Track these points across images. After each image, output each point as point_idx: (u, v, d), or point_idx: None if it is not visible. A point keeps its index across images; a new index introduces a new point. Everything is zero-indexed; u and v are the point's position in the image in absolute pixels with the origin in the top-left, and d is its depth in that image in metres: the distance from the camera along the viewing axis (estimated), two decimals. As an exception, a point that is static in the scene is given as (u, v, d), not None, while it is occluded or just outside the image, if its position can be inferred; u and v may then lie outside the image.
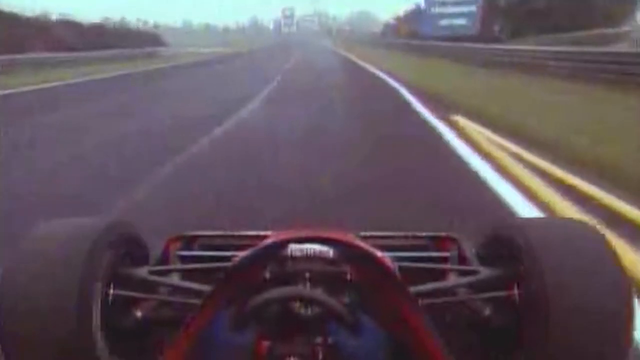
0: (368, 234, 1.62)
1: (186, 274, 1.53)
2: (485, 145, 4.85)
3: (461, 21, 31.00)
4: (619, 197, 3.14)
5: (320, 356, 0.87)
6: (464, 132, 5.53)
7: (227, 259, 1.38)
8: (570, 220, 1.55)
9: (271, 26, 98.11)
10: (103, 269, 1.27)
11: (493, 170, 3.94)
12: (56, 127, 6.60)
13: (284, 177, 3.96)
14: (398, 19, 50.58)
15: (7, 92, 10.93)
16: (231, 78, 15.49)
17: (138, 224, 1.53)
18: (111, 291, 1.30)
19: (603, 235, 1.30)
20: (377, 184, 3.69)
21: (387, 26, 54.23)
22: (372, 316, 0.96)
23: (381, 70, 15.49)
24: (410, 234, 1.73)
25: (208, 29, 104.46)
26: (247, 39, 69.37)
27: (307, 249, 1.07)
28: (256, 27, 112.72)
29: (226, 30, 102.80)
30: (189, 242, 1.72)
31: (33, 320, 1.16)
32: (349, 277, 1.04)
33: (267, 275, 1.05)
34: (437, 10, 31.93)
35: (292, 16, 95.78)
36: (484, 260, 1.49)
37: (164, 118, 7.36)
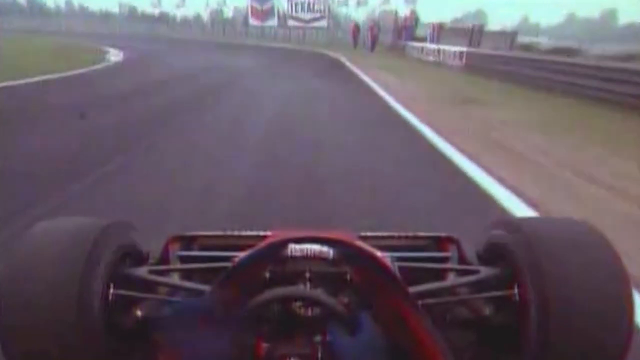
0: (368, 234, 1.60)
1: (186, 274, 1.50)
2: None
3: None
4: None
5: (319, 354, 0.89)
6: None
7: (227, 259, 1.35)
8: (569, 218, 1.46)
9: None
10: (103, 269, 1.24)
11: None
12: None
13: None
14: None
15: None
16: None
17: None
18: (111, 291, 1.27)
19: (601, 233, 1.30)
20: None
21: None
22: (371, 316, 0.95)
23: None
24: (410, 234, 1.69)
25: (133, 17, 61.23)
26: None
27: (307, 249, 1.08)
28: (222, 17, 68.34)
29: (162, 19, 58.95)
30: (189, 242, 1.66)
31: (33, 320, 1.14)
32: (348, 277, 1.07)
33: (268, 275, 1.08)
34: None
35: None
36: (483, 260, 1.47)
37: None
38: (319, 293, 0.94)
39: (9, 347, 1.15)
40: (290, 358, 0.86)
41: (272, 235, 1.40)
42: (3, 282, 1.17)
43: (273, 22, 37.91)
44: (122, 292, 1.27)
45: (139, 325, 1.30)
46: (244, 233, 1.62)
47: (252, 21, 38.91)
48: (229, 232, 1.66)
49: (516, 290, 1.27)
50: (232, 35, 38.45)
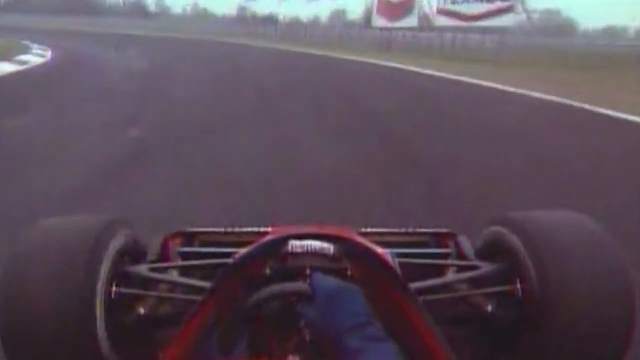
0: (368, 230, 1.62)
1: (187, 271, 1.52)
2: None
3: None
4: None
5: (308, 337, 0.90)
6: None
7: (227, 255, 1.36)
8: (568, 212, 1.51)
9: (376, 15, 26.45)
10: (105, 266, 1.26)
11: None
12: None
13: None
14: None
15: None
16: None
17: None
18: (113, 288, 1.30)
19: (601, 226, 1.32)
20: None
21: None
22: (372, 312, 0.97)
23: None
24: (410, 230, 1.71)
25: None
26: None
27: (307, 245, 1.08)
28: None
29: (267, 20, 48.20)
30: (189, 238, 1.68)
31: (35, 318, 1.16)
32: (349, 273, 1.07)
33: (268, 271, 1.07)
34: None
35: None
36: (484, 255, 1.50)
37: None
38: (291, 285, 0.94)
39: (11, 345, 1.18)
40: (289, 356, 0.85)
41: (272, 231, 1.41)
42: (5, 280, 1.20)
43: (412, 20, 23.37)
44: (124, 289, 1.32)
45: (141, 322, 1.34)
46: (244, 229, 1.64)
47: (378, 21, 24.74)
48: (229, 229, 1.67)
49: (519, 285, 1.32)
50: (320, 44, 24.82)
